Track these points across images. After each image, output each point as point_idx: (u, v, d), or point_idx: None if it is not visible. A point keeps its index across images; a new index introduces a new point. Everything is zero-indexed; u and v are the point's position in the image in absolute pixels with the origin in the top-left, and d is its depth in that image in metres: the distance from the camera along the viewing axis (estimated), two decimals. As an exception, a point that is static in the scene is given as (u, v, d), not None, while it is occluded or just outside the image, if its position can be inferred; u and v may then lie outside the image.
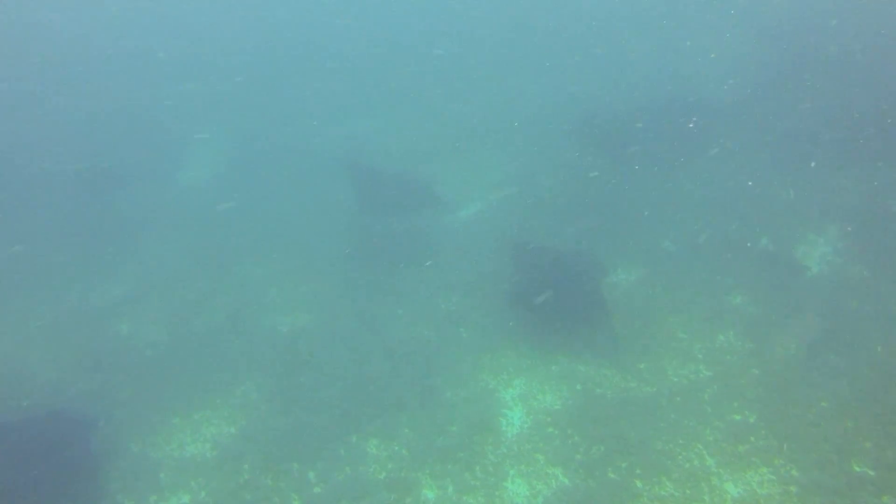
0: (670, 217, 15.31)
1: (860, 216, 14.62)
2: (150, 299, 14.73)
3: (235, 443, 11.32)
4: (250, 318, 14.00)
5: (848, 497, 9.52)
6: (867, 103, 17.73)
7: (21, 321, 14.25)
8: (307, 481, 10.56)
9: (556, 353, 12.34)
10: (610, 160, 17.22)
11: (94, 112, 22.07)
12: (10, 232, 16.80)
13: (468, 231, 15.99)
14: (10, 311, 14.54)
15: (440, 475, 10.46)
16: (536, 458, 10.69)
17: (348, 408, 11.72)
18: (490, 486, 10.25)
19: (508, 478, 10.36)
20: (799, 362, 11.62)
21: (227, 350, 13.21)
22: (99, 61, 25.59)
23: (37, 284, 15.29)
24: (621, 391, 11.56)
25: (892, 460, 9.89)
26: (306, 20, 29.29)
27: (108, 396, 12.22)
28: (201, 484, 10.68)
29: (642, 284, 13.51)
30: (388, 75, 24.04)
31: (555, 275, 12.87)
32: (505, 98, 21.57)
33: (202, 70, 24.85)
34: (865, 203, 14.95)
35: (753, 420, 10.83)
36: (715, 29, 23.81)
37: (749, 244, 14.22)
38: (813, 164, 15.94)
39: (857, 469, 9.86)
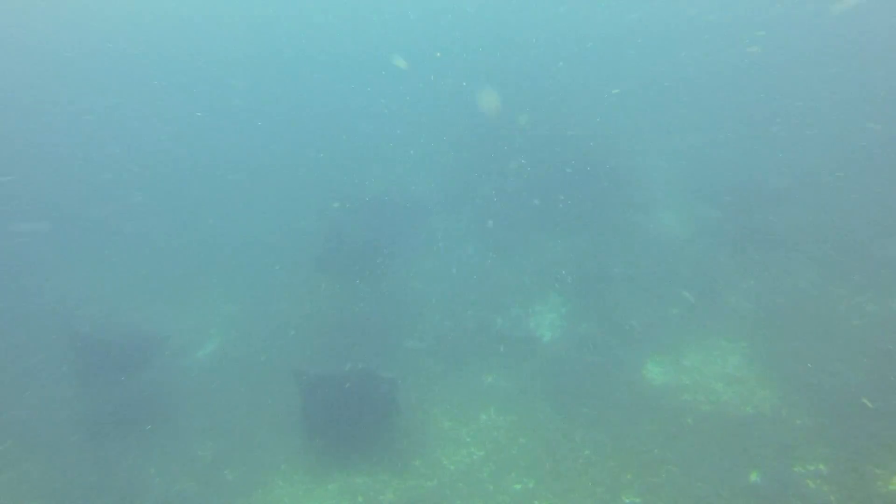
0: (410, 317, 17.11)
1: (575, 280, 17.98)
2: None
3: None
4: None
5: (626, 527, 11.35)
6: (557, 182, 22.25)
7: None
8: None
9: (331, 472, 12.74)
10: (342, 274, 18.78)
11: None
12: None
13: (211, 370, 15.95)
14: None
15: None
16: (331, 587, 10.77)
17: None
18: None
19: None
20: (557, 421, 13.67)
21: None
22: None
23: None
24: (403, 492, 12.31)
25: (651, 484, 12.07)
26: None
27: None
28: None
29: (398, 386, 14.71)
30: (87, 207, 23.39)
31: (311, 395, 13.50)
32: (225, 228, 22.36)
33: None
34: (576, 268, 18.48)
35: (533, 485, 12.35)
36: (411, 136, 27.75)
37: (486, 326, 16.50)
38: (525, 241, 19.36)
39: (627, 500, 11.84)
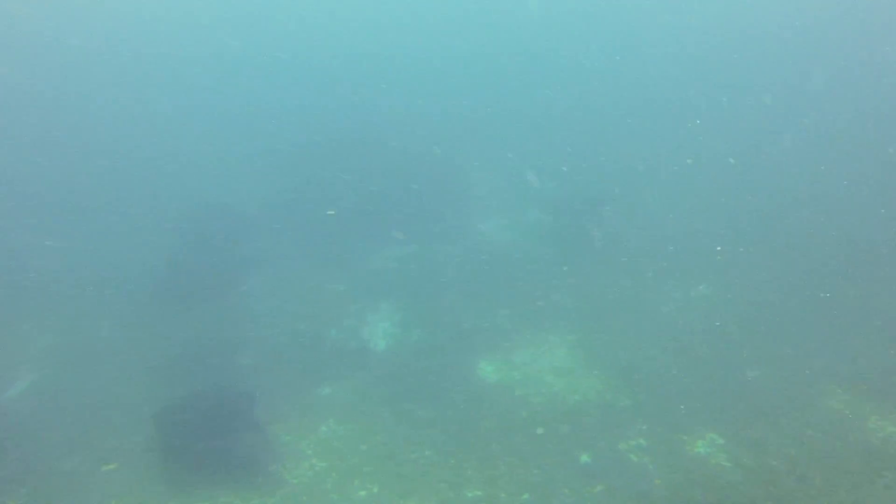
0: (243, 336, 17.28)
1: (407, 288, 19.02)
2: None
3: None
4: None
5: (471, 519, 12.37)
6: (387, 192, 23.35)
7: None
8: None
9: (165, 501, 12.66)
10: (169, 297, 18.54)
11: None
12: None
13: (23, 410, 15.15)
14: None
15: None
16: None
17: None
18: None
19: None
20: (396, 426, 14.50)
21: None
22: None
23: None
24: (245, 514, 12.54)
25: (491, 477, 13.20)
26: None
27: None
28: None
29: (233, 405, 14.83)
30: None
31: (140, 424, 13.44)
32: (35, 251, 21.15)
33: None
34: (407, 276, 19.60)
35: (377, 490, 13.03)
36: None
37: (321, 339, 17.09)
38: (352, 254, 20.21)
39: (470, 494, 12.85)
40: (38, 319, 18.35)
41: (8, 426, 14.71)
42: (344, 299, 18.84)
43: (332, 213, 21.70)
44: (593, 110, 31.59)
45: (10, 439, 14.28)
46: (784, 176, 24.86)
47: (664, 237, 21.40)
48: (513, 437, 14.23)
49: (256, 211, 22.57)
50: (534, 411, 14.91)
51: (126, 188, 24.63)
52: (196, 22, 40.70)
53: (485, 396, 15.44)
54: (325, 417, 14.81)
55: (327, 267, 20.16)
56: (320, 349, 16.89)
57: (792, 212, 22.31)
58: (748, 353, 16.20)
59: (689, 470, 13.07)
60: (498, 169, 26.43)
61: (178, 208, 22.34)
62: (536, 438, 14.13)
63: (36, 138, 27.74)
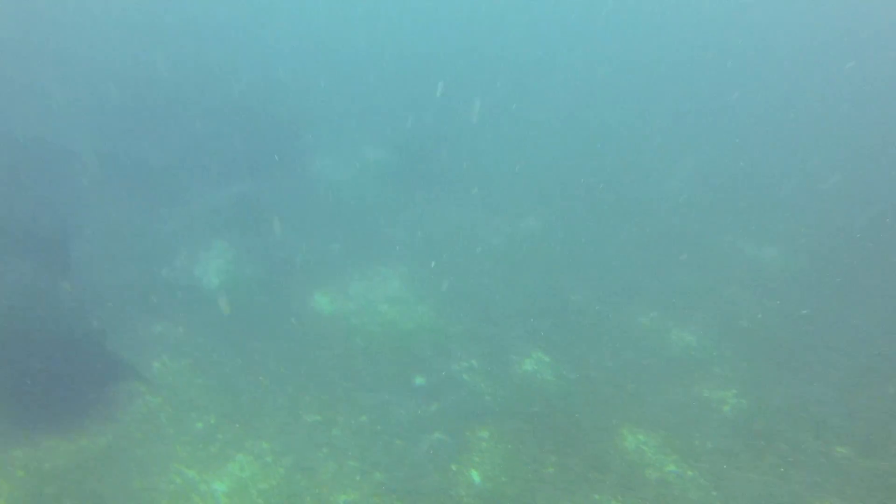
0: (71, 279, 16.71)
1: (239, 225, 19.20)
2: None
3: None
4: None
5: (310, 442, 13.14)
6: (218, 130, 23.10)
7: None
8: None
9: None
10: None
11: None
12: None
13: None
14: None
15: None
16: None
17: None
18: None
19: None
20: (232, 359, 14.96)
21: None
22: None
23: None
24: (74, 454, 12.49)
25: (327, 401, 14.06)
26: None
27: None
28: None
29: (55, 350, 14.54)
30: None
31: None
32: None
33: None
34: (239, 213, 19.77)
35: (214, 420, 13.48)
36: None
37: (151, 278, 17.02)
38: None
39: (309, 418, 13.66)
40: None
41: None
42: (175, 239, 18.71)
43: None
44: (430, 56, 32.56)
45: None
46: (600, 120, 27.11)
47: (495, 175, 22.88)
48: (349, 363, 15.12)
49: (82, 155, 21.44)
50: (369, 339, 15.85)
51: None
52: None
53: (321, 326, 16.16)
54: (158, 354, 14.94)
55: (157, 208, 19.81)
56: (150, 288, 16.80)
57: (608, 152, 24.51)
58: (571, 279, 17.97)
59: (517, 386, 14.60)
60: (334, 108, 26.80)
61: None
62: (373, 364, 15.09)
63: None
